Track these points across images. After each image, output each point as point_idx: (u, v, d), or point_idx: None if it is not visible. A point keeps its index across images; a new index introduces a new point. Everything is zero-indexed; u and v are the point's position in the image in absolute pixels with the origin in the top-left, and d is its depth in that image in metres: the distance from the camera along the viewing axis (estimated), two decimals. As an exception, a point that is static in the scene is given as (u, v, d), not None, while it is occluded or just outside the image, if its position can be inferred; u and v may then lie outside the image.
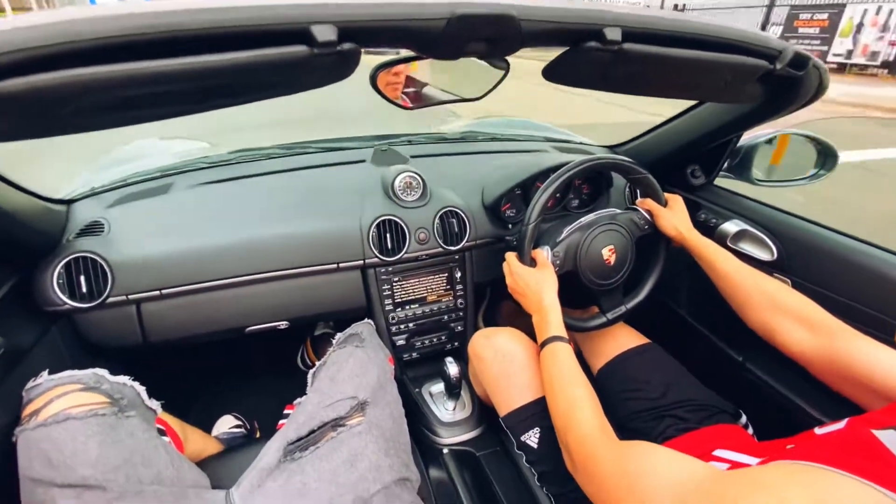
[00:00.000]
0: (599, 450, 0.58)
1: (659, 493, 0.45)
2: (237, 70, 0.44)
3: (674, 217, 0.91)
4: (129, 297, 0.88)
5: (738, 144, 1.09)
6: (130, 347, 0.94)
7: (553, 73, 0.67)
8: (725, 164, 1.14)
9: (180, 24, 0.40)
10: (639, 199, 0.96)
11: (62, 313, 0.85)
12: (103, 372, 0.72)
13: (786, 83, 0.74)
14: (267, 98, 0.54)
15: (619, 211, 0.94)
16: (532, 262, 0.88)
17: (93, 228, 0.91)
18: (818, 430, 0.52)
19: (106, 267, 0.86)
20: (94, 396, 0.66)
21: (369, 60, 0.60)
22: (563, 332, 0.78)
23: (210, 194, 1.05)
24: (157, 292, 0.90)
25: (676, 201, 0.94)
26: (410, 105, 0.80)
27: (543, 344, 0.77)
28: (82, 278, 0.84)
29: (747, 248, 1.03)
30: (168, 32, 0.40)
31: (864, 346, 0.61)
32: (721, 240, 1.08)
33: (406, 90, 0.84)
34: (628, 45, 0.56)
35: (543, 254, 0.88)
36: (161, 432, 0.76)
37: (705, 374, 0.96)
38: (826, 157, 1.09)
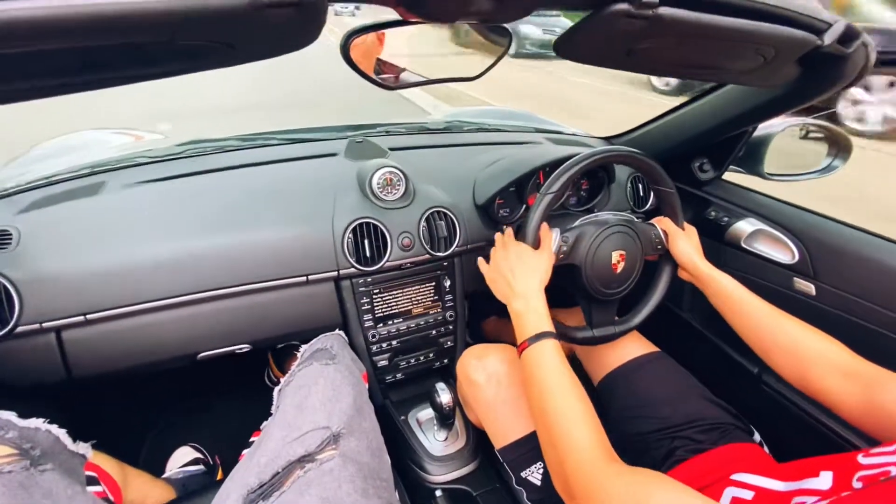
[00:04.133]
0: (604, 476, 0.51)
1: None
2: (147, 25, 0.29)
3: (689, 244, 0.82)
4: (44, 325, 0.72)
5: (748, 135, 1.00)
6: (53, 384, 0.77)
7: (566, 47, 0.56)
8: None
9: None
10: (657, 217, 0.87)
11: None
12: (9, 415, 0.59)
13: (827, 62, 0.64)
14: (197, 71, 0.39)
15: (636, 219, 0.84)
16: (535, 242, 0.76)
17: None
18: (862, 459, 0.46)
19: (11, 289, 0.69)
20: None
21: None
22: (550, 327, 0.67)
23: (150, 195, 0.88)
24: (82, 318, 0.73)
25: (692, 231, 0.85)
26: (394, 84, 0.66)
27: (529, 341, 0.65)
28: None
29: (764, 249, 0.95)
30: None
31: None
32: (734, 240, 0.99)
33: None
34: (665, 9, 0.46)
35: (552, 234, 0.76)
36: (92, 480, 0.65)
37: (715, 385, 0.87)
38: (839, 147, 1.02)
